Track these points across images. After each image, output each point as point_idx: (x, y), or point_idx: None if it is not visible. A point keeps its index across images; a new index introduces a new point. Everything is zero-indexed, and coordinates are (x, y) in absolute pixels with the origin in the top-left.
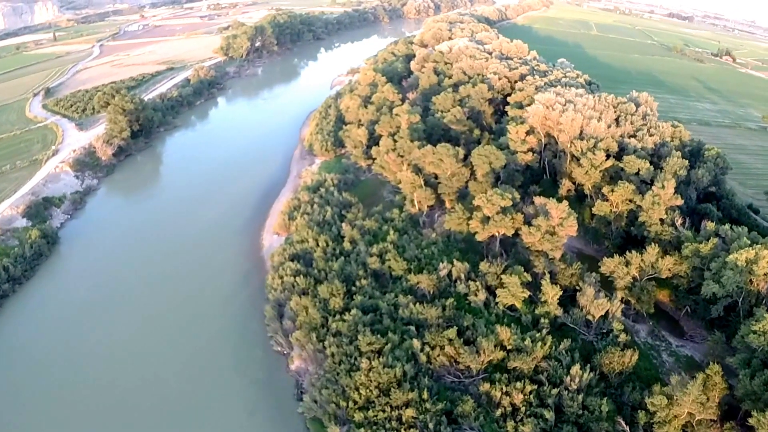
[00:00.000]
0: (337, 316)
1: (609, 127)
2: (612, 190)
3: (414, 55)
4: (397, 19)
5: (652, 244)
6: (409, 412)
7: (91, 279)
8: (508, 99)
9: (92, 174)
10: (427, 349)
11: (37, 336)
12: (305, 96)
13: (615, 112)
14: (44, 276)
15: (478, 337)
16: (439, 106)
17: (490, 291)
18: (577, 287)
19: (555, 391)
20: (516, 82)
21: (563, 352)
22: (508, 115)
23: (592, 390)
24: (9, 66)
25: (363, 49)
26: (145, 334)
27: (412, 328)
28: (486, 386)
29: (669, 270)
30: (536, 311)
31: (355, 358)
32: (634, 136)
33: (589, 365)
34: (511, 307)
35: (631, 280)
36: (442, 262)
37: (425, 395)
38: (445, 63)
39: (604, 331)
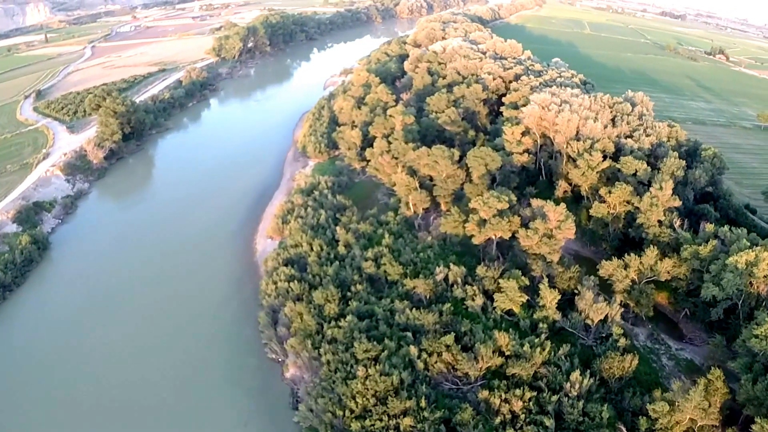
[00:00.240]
0: (333, 323)
1: (605, 127)
2: (609, 192)
3: (407, 56)
4: (389, 19)
5: (651, 246)
6: (407, 421)
7: (82, 286)
8: (503, 99)
9: (83, 178)
10: (424, 355)
11: (27, 344)
12: (298, 97)
13: (611, 112)
14: (35, 283)
15: (476, 343)
16: (434, 107)
17: (488, 295)
18: (576, 291)
19: (555, 397)
20: (511, 82)
21: (562, 357)
22: (503, 116)
23: (593, 396)
24: (0, 68)
25: (356, 49)
26: (137, 342)
27: (409, 334)
28: (485, 393)
29: (668, 273)
30: (534, 316)
31: (352, 366)
32: (631, 136)
33: (588, 371)
34: (509, 312)
35: (630, 283)
36: (439, 266)
37: (423, 403)
38: (439, 63)
39: (604, 335)
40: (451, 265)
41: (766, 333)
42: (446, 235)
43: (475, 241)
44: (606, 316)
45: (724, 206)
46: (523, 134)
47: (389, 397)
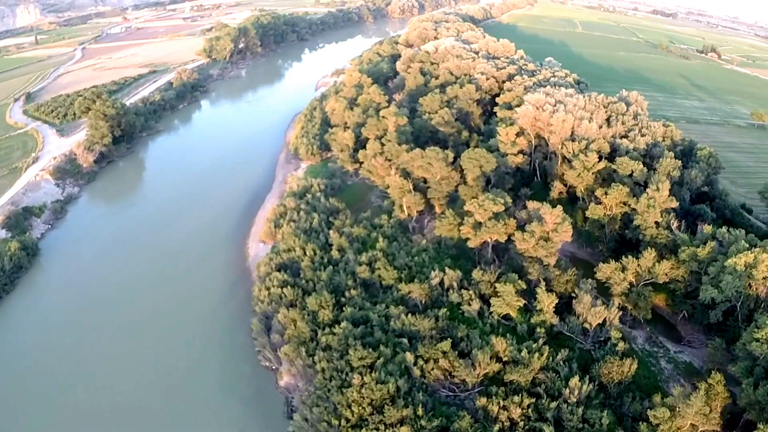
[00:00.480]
0: (327, 329)
1: (600, 127)
2: (605, 193)
3: (399, 56)
4: (381, 19)
5: (648, 248)
6: (404, 430)
7: (72, 293)
8: (497, 100)
9: (73, 182)
10: (420, 362)
11: (17, 352)
12: (290, 98)
13: (606, 112)
14: (24, 290)
15: (473, 349)
16: (427, 108)
17: (484, 300)
18: (573, 294)
19: (554, 404)
20: (504, 82)
21: (561, 362)
22: (496, 116)
23: (592, 402)
24: None
25: (348, 49)
26: (129, 350)
27: (405, 340)
28: (482, 400)
29: (666, 275)
30: (532, 320)
31: (347, 374)
32: (626, 136)
33: (587, 376)
34: (506, 317)
35: (628, 286)
36: (434, 270)
37: (420, 411)
38: (432, 63)
39: (602, 338)
40: (447, 269)
41: (767, 336)
42: (441, 238)
43: (471, 244)
44: (604, 320)
45: (721, 206)
46: (518, 135)
47: (385, 406)
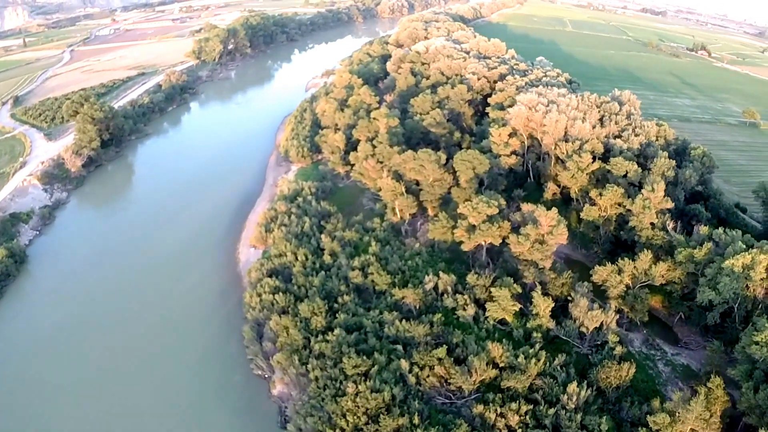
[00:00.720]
0: (320, 337)
1: (594, 127)
2: (600, 194)
3: (390, 56)
4: (371, 19)
5: (645, 250)
6: None
7: (61, 300)
8: (489, 100)
9: (61, 187)
10: (415, 369)
11: (3, 361)
12: (280, 99)
13: (599, 111)
14: (12, 298)
15: (469, 355)
16: (418, 109)
17: (479, 304)
18: (569, 297)
19: (552, 410)
20: (495, 82)
21: (558, 368)
22: (488, 117)
23: (590, 407)
24: None
25: (337, 49)
26: (118, 358)
27: (399, 347)
28: (479, 408)
29: (662, 277)
30: (528, 325)
31: (341, 382)
32: (620, 136)
33: (585, 381)
34: (502, 321)
35: (624, 289)
36: (428, 275)
37: (416, 420)
38: (422, 63)
39: (599, 342)
40: (441, 274)
41: (767, 339)
42: (434, 242)
43: (465, 247)
44: (601, 323)
45: (715, 206)
46: (510, 136)
47: (381, 415)
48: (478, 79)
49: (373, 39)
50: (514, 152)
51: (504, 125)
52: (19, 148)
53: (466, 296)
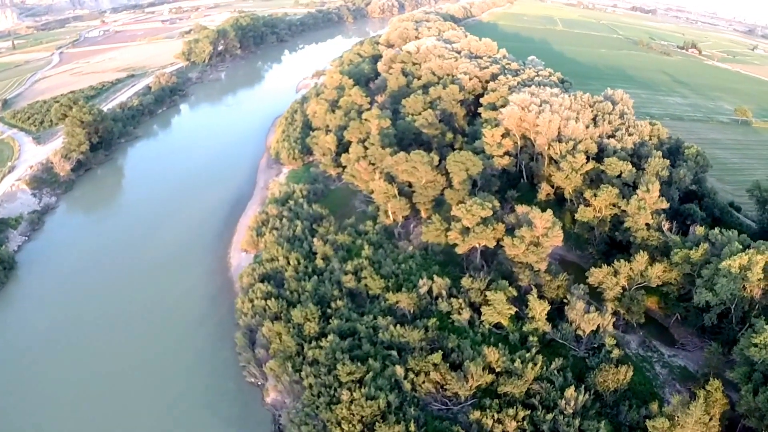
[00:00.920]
0: (313, 343)
1: (587, 127)
2: (595, 195)
3: (380, 56)
4: (361, 19)
5: (640, 251)
6: None
7: (50, 307)
8: (481, 100)
9: (50, 191)
10: (411, 375)
11: None
12: (270, 101)
13: (592, 111)
14: (1, 305)
15: (465, 361)
16: (410, 109)
17: (474, 308)
18: (565, 300)
19: (549, 416)
20: (487, 82)
21: (555, 372)
22: (481, 117)
23: (588, 412)
24: None
25: (328, 50)
26: (110, 366)
27: (394, 352)
28: (476, 414)
29: (659, 278)
30: (524, 328)
31: (335, 389)
32: (613, 136)
33: (583, 385)
34: (497, 325)
35: (621, 290)
36: (422, 278)
37: (412, 427)
38: (414, 63)
39: (596, 345)
40: (435, 277)
41: (766, 341)
42: (428, 244)
43: (459, 250)
44: (598, 326)
45: (709, 205)
46: (503, 136)
47: (377, 423)
48: (470, 79)
49: (363, 39)
50: (507, 153)
51: (497, 126)
52: (8, 152)
53: (461, 300)
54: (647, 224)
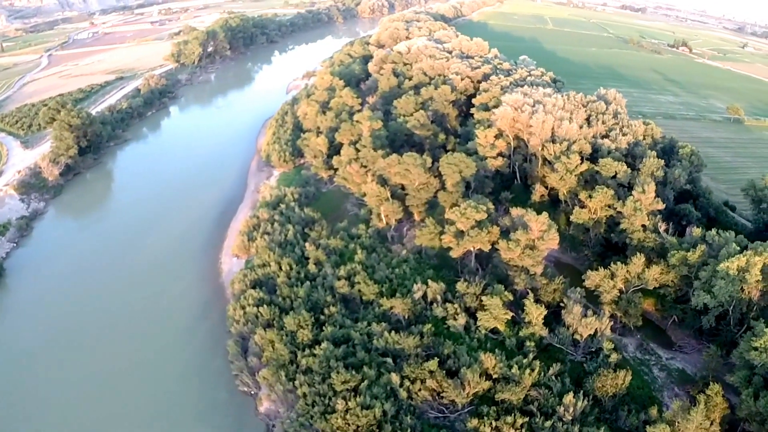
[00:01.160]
0: (307, 351)
1: (581, 127)
2: (590, 196)
3: (371, 56)
4: (351, 19)
5: (637, 253)
6: None
7: (39, 315)
8: (473, 101)
9: (39, 196)
10: (406, 383)
11: None
12: (260, 102)
13: (585, 111)
14: None
15: (461, 367)
16: (401, 110)
17: (470, 313)
18: (561, 303)
19: (548, 423)
20: (479, 82)
21: (553, 377)
22: (473, 118)
23: (587, 418)
24: None
25: (318, 50)
26: (100, 375)
27: (389, 359)
28: (474, 422)
29: (656, 280)
30: (520, 333)
31: (330, 398)
32: (607, 136)
33: (581, 390)
34: (494, 330)
35: (618, 293)
36: (416, 283)
37: None
38: (405, 64)
39: (593, 349)
40: (429, 282)
41: (766, 345)
42: (421, 248)
43: (454, 254)
44: (595, 330)
45: (704, 205)
46: (496, 137)
47: None
48: (462, 80)
49: (353, 39)
50: (500, 154)
51: (489, 126)
52: None
53: (456, 305)
54: (643, 226)
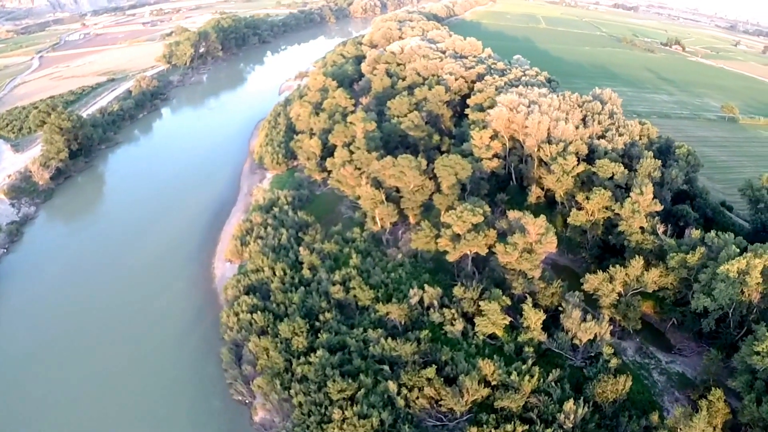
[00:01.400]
0: (302, 358)
1: (577, 128)
2: (587, 198)
3: (364, 57)
4: (343, 19)
5: (635, 255)
6: None
7: (29, 322)
8: (468, 101)
9: (29, 201)
10: (404, 391)
11: None
12: (253, 103)
13: (581, 111)
14: None
15: (460, 374)
16: (395, 111)
17: (467, 318)
18: (560, 307)
19: (549, 430)
20: (474, 82)
21: (552, 384)
22: (468, 119)
23: (588, 425)
24: None
25: (311, 50)
26: (92, 383)
27: (386, 367)
28: (473, 430)
29: (655, 283)
30: (519, 338)
31: (326, 408)
32: (603, 136)
33: (581, 397)
34: (492, 336)
35: (616, 297)
36: (412, 288)
37: None
38: (398, 64)
39: (593, 354)
40: (426, 286)
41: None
42: (417, 251)
43: (450, 258)
44: (594, 335)
45: (702, 205)
46: (492, 138)
47: None
48: (456, 80)
49: (346, 39)
50: (495, 155)
51: (485, 127)
52: None
53: (453, 310)
54: (641, 228)
